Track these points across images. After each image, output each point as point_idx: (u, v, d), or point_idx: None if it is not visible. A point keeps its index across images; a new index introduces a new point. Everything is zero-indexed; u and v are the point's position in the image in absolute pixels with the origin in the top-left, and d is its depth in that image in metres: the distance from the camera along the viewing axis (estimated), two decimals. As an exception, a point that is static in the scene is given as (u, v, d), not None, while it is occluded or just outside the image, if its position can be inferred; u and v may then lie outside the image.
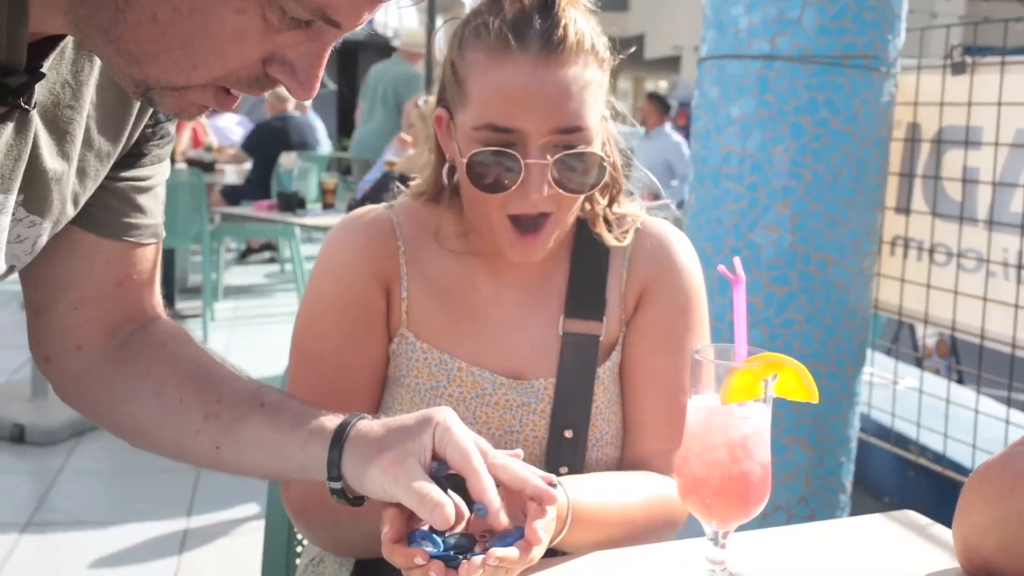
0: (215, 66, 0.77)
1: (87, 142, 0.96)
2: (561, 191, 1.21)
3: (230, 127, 9.69)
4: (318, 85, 0.81)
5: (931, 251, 2.54)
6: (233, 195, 7.34)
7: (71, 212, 0.98)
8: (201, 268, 6.25)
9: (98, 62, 0.92)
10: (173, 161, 7.67)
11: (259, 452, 1.05)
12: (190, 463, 1.12)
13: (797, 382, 1.01)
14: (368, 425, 1.01)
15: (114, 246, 1.07)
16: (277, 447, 1.04)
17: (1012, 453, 1.07)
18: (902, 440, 2.74)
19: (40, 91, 0.85)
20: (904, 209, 2.61)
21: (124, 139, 1.01)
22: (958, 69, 2.40)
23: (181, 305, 6.90)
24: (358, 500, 1.02)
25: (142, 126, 1.03)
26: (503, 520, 0.96)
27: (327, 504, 1.21)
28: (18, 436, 4.07)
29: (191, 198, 6.03)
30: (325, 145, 8.82)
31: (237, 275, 8.46)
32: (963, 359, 4.87)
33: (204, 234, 6.08)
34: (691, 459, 1.03)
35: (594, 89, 1.21)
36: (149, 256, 1.13)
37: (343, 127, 14.03)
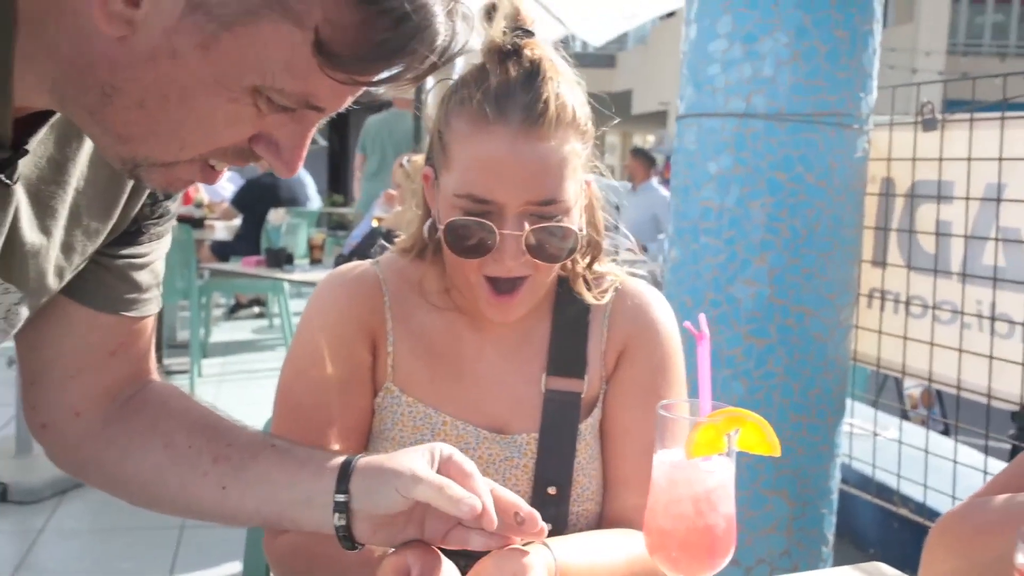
0: (203, 145, 0.80)
1: (74, 217, 0.97)
2: (535, 259, 1.23)
3: (221, 183, 9.72)
4: (300, 164, 0.84)
5: (907, 303, 2.57)
6: (222, 251, 7.36)
7: (53, 285, 0.99)
8: (189, 323, 6.25)
9: (88, 140, 0.94)
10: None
11: (266, 488, 1.06)
12: (191, 511, 1.11)
13: (759, 436, 1.03)
14: (375, 455, 1.06)
15: (110, 319, 1.09)
16: (285, 482, 1.05)
17: (972, 504, 1.09)
18: (884, 491, 2.75)
19: (25, 165, 0.87)
20: (880, 262, 2.65)
21: (115, 216, 1.02)
22: (929, 126, 2.45)
23: (169, 361, 6.89)
24: (358, 544, 1.03)
25: (138, 205, 1.05)
26: (494, 519, 1.00)
27: (315, 560, 1.23)
28: (1, 494, 4.05)
29: (180, 254, 6.06)
30: (315, 201, 8.87)
31: (225, 331, 8.45)
32: (949, 409, 4.89)
33: (193, 290, 6.10)
34: (657, 513, 1.04)
35: (573, 161, 1.24)
36: (145, 327, 1.14)
37: (333, 182, 14.13)
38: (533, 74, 1.23)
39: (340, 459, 1.05)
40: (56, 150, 0.92)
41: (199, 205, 8.47)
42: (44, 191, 0.92)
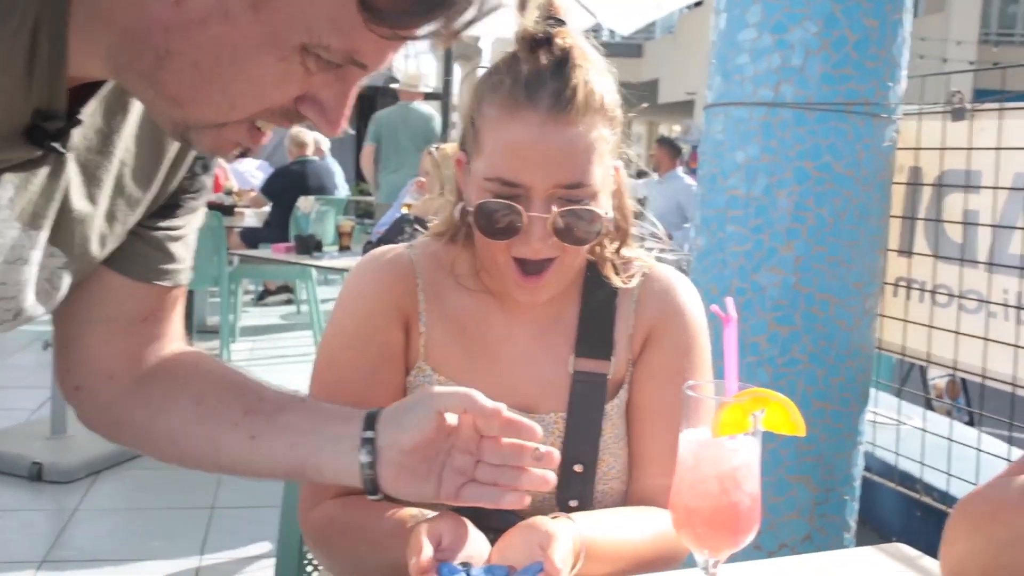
0: (254, 105, 0.82)
1: (118, 188, 1.01)
2: (562, 241, 1.27)
3: (250, 171, 9.82)
4: (345, 123, 0.86)
5: (933, 292, 2.58)
6: (252, 238, 7.44)
7: (96, 252, 1.03)
8: (219, 309, 6.32)
9: (133, 113, 0.98)
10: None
11: (294, 435, 1.10)
12: (218, 463, 1.15)
13: (784, 416, 1.06)
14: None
15: (145, 288, 1.13)
16: (314, 428, 1.10)
17: (993, 484, 1.11)
18: (907, 479, 2.76)
19: (75, 135, 0.90)
20: (906, 251, 2.65)
21: (155, 189, 1.06)
22: (958, 115, 2.45)
23: (198, 345, 6.91)
24: (380, 491, 1.08)
25: (178, 179, 1.09)
26: (525, 423, 1.08)
27: (348, 531, 1.27)
28: (36, 474, 4.13)
29: (211, 241, 6.13)
30: (343, 189, 8.93)
31: (254, 316, 8.53)
32: (974, 401, 4.88)
33: (223, 276, 6.17)
34: (683, 491, 1.07)
35: (600, 147, 1.28)
36: (177, 296, 1.19)
37: (361, 171, 14.17)
38: (563, 62, 1.27)
39: (368, 410, 1.11)
40: (103, 122, 0.95)
41: (229, 192, 8.55)
42: (91, 161, 0.96)
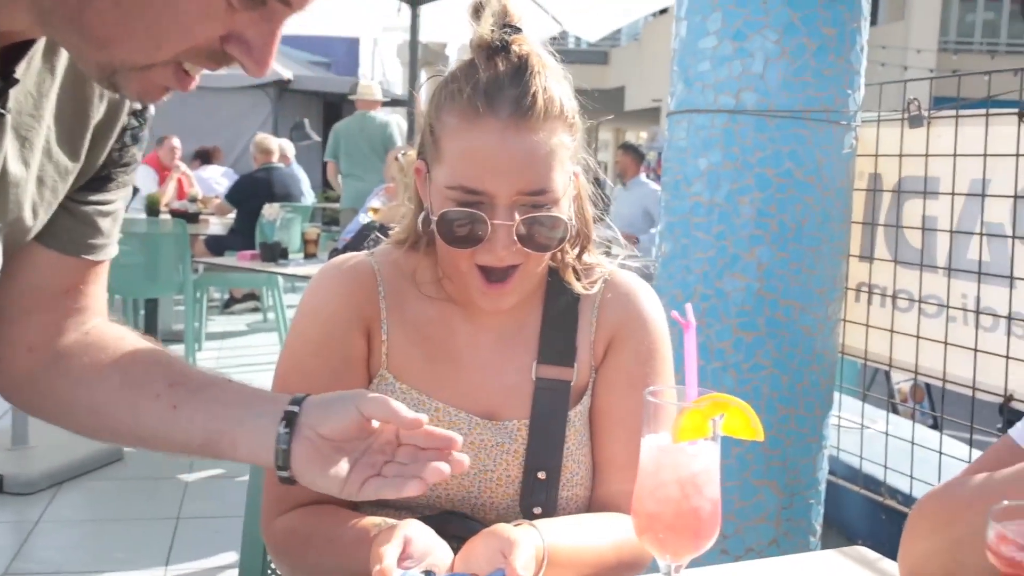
0: (179, 43, 0.82)
1: (47, 153, 1.01)
2: (526, 248, 1.27)
3: (215, 178, 9.76)
4: (271, 64, 0.85)
5: (894, 297, 2.61)
6: (217, 245, 7.39)
7: (29, 220, 1.03)
8: (184, 317, 6.28)
9: (59, 75, 0.98)
10: (158, 212, 7.75)
11: (217, 407, 1.10)
12: (137, 435, 1.14)
13: (743, 421, 1.07)
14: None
15: (72, 262, 1.13)
16: (238, 401, 1.10)
17: (950, 484, 1.13)
18: (871, 482, 2.79)
19: (11, 96, 0.90)
20: (867, 257, 2.69)
21: (82, 157, 1.05)
22: (915, 122, 2.49)
23: (163, 355, 6.90)
24: (288, 470, 1.07)
25: (106, 149, 1.08)
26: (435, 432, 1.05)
27: (312, 541, 1.27)
28: (-3, 486, 4.08)
29: (175, 248, 6.09)
30: (309, 196, 8.90)
31: (220, 324, 8.47)
32: (938, 405, 4.93)
33: (187, 284, 6.12)
34: (644, 496, 1.08)
35: (561, 153, 1.28)
36: (101, 270, 1.19)
37: (327, 179, 14.14)
38: (521, 69, 1.27)
39: (300, 394, 1.10)
40: (33, 85, 0.95)
41: (193, 200, 8.49)
42: (23, 123, 0.96)
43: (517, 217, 1.25)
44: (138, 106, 1.10)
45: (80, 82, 1.00)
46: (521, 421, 1.37)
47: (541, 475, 1.35)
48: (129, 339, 1.19)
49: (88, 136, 1.05)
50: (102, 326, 1.20)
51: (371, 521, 1.23)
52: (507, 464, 1.35)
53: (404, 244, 1.42)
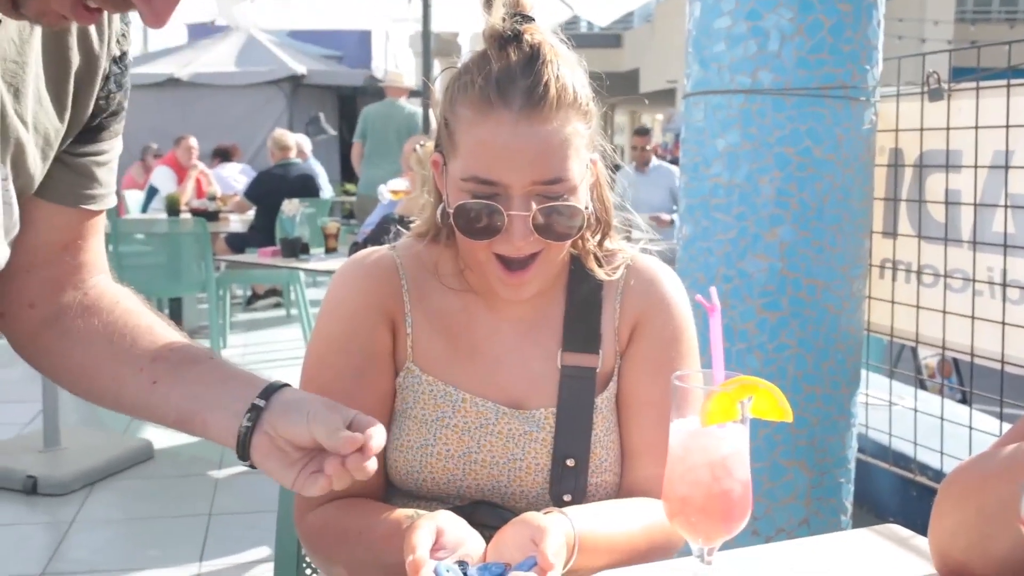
0: None
1: (38, 101, 1.02)
2: (544, 238, 1.27)
3: (233, 176, 9.81)
4: (171, 16, 0.84)
5: (919, 272, 2.59)
6: (238, 243, 7.42)
7: (32, 168, 1.04)
8: (207, 315, 6.32)
9: (37, 28, 0.98)
10: (178, 212, 7.79)
11: (194, 387, 1.12)
12: (119, 403, 1.17)
13: (771, 403, 1.07)
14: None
15: (69, 213, 1.15)
16: (215, 383, 1.12)
17: (979, 456, 1.12)
18: (901, 459, 2.78)
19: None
20: (891, 232, 2.67)
21: (69, 106, 1.07)
22: (935, 95, 2.47)
23: (189, 353, 6.95)
24: (248, 458, 1.08)
25: (93, 97, 1.09)
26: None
27: (345, 534, 1.28)
28: (31, 488, 4.12)
29: (196, 247, 6.12)
30: (327, 190, 8.92)
31: (243, 321, 8.52)
32: (966, 378, 4.90)
33: (210, 282, 6.16)
34: (675, 480, 1.08)
35: (576, 141, 1.28)
36: (98, 224, 1.21)
37: (345, 171, 14.17)
38: (533, 58, 1.26)
39: (276, 380, 1.12)
40: (14, 31, 0.97)
41: (212, 198, 8.53)
42: (8, 69, 0.97)
43: (534, 207, 1.25)
44: (116, 52, 1.11)
45: (58, 31, 1.02)
46: (548, 409, 1.37)
47: (570, 462, 1.35)
48: (124, 304, 1.20)
49: (71, 84, 1.06)
50: (102, 286, 1.22)
51: (403, 513, 1.24)
52: (536, 452, 1.35)
53: (425, 237, 1.42)
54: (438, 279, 1.40)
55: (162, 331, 1.19)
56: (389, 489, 1.40)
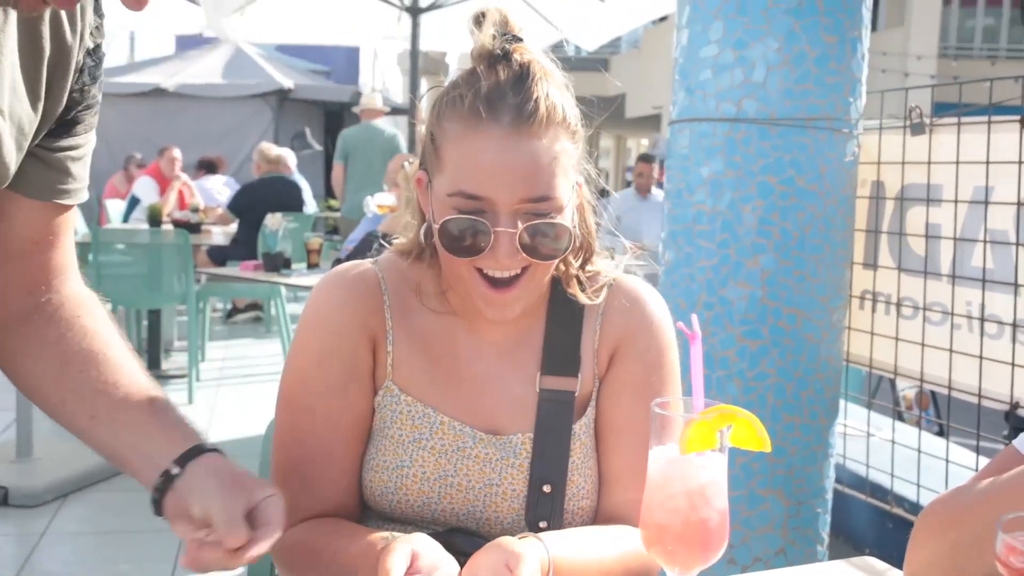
0: None
1: (13, 91, 1.02)
2: (530, 257, 1.26)
3: (217, 188, 9.78)
4: (150, 1, 0.85)
5: (898, 304, 2.61)
6: (219, 256, 7.39)
7: (7, 157, 1.04)
8: (186, 328, 6.28)
9: (11, 12, 0.98)
10: (160, 223, 7.76)
11: (125, 432, 1.15)
12: (61, 424, 1.21)
13: (750, 432, 1.07)
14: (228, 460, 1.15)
15: (42, 207, 1.15)
16: (144, 434, 1.15)
17: (958, 489, 1.13)
18: (878, 491, 2.78)
19: None
20: (871, 264, 2.69)
21: (43, 96, 1.06)
22: (917, 130, 2.49)
23: (167, 365, 6.91)
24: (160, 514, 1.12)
25: (66, 89, 1.09)
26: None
27: (317, 554, 1.27)
28: (2, 499, 4.07)
29: (177, 259, 6.09)
30: (311, 205, 8.91)
31: (223, 334, 8.48)
32: (943, 410, 4.93)
33: (190, 294, 6.13)
34: (653, 508, 1.07)
35: (564, 160, 1.26)
36: (69, 221, 1.21)
37: (329, 187, 14.16)
38: (523, 76, 1.26)
39: (200, 441, 1.14)
40: None
41: (195, 210, 8.50)
42: None
43: (520, 225, 1.24)
44: (90, 44, 1.11)
45: (31, 21, 1.02)
46: (525, 435, 1.35)
47: (546, 488, 1.34)
48: (83, 320, 1.21)
49: (44, 75, 1.06)
50: (66, 291, 1.22)
51: (378, 535, 1.23)
52: (512, 479, 1.34)
53: (408, 255, 1.41)
54: (420, 299, 1.38)
55: (114, 359, 1.19)
56: (364, 510, 1.39)
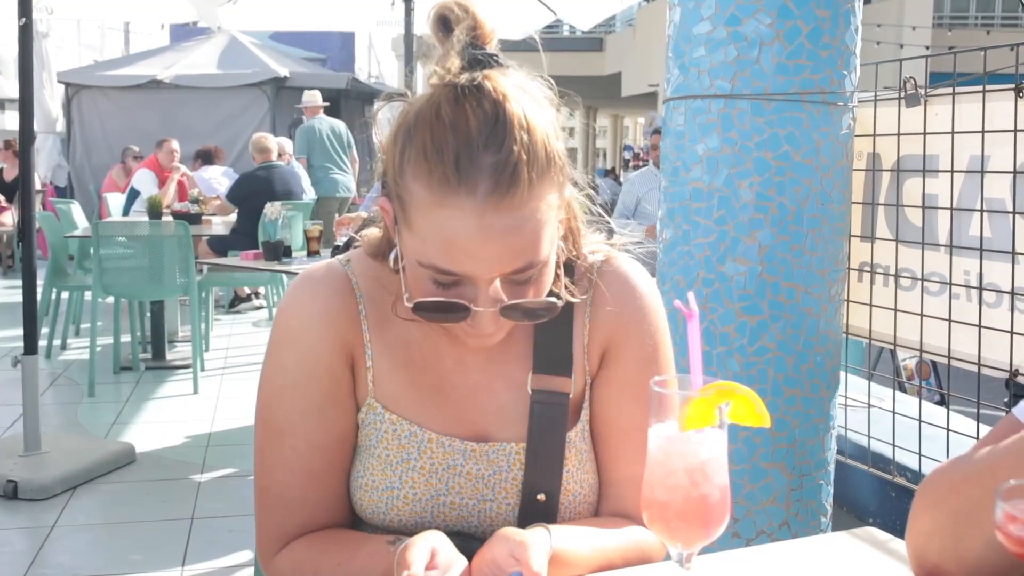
0: None
1: None
2: (513, 320, 1.18)
3: (216, 178, 9.76)
4: None
5: (896, 276, 2.62)
6: (220, 245, 7.40)
7: None
8: (189, 319, 6.30)
9: None
10: (160, 214, 7.76)
11: None
12: None
13: (749, 408, 1.08)
14: None
15: None
16: None
17: (958, 458, 1.14)
18: (880, 461, 2.80)
19: None
20: (869, 236, 2.69)
21: None
22: (912, 101, 2.49)
23: (171, 356, 6.93)
24: None
25: None
26: None
27: (322, 568, 1.23)
28: (11, 492, 4.10)
29: (179, 250, 6.10)
30: (310, 193, 8.92)
31: (226, 324, 8.50)
32: (944, 379, 4.94)
33: (192, 285, 6.14)
34: (654, 485, 1.09)
35: (549, 216, 1.14)
36: None
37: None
38: (498, 123, 1.09)
39: None
40: None
41: (195, 201, 8.50)
42: None
43: (501, 295, 1.14)
44: None
45: None
46: (518, 444, 1.28)
47: (541, 497, 1.27)
48: None
49: None
50: None
51: (384, 538, 1.21)
52: (506, 492, 1.29)
53: (379, 257, 1.30)
54: (396, 310, 1.27)
55: None
56: (357, 522, 1.33)
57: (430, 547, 1.10)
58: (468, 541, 1.21)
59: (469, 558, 1.14)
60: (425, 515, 1.27)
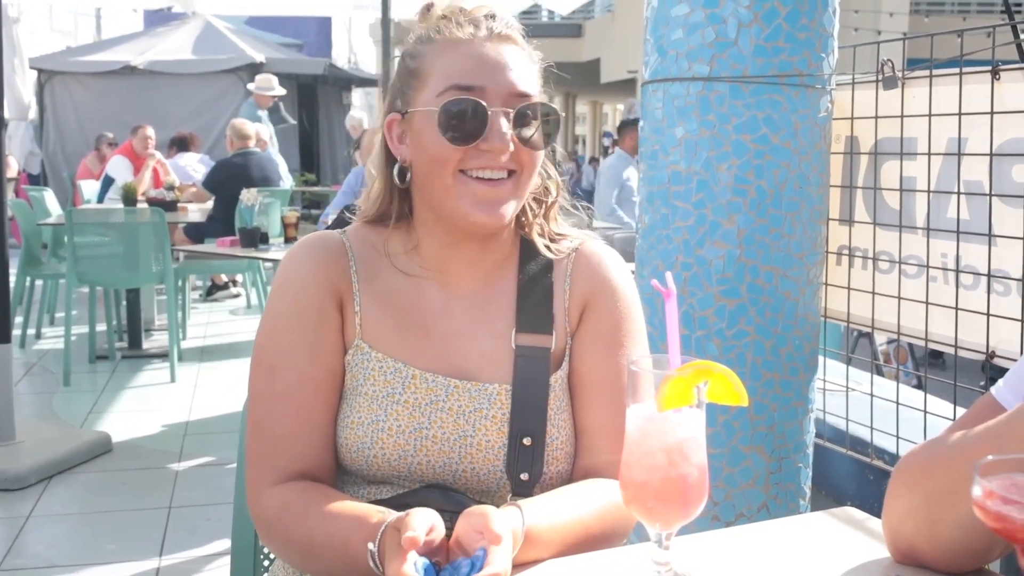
0: None
1: None
2: (522, 144, 1.33)
3: (192, 165, 9.69)
4: None
5: (874, 259, 2.62)
6: (196, 233, 7.35)
7: None
8: (166, 307, 6.25)
9: None
10: (135, 202, 7.70)
11: None
12: None
13: (727, 387, 1.07)
14: None
15: None
16: None
17: (932, 441, 1.14)
18: (858, 444, 2.81)
19: None
20: (847, 220, 2.69)
21: None
22: (889, 84, 2.49)
23: (148, 344, 6.88)
24: None
25: None
26: None
27: (306, 517, 1.26)
28: (-14, 483, 4.07)
29: (154, 237, 6.05)
30: (287, 180, 8.86)
31: (203, 312, 8.45)
32: (923, 364, 4.97)
33: (168, 273, 6.09)
34: (632, 465, 1.08)
35: (538, 78, 1.39)
36: None
37: (305, 161, 14.04)
38: (496, 11, 1.39)
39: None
40: None
41: (170, 188, 8.43)
42: None
43: (511, 113, 1.32)
44: None
45: None
46: (503, 385, 1.37)
47: (527, 441, 1.35)
48: None
49: None
50: None
51: (371, 507, 1.23)
52: (486, 430, 1.35)
53: (373, 221, 1.45)
54: (388, 259, 1.42)
55: None
56: (339, 472, 1.39)
57: (430, 521, 1.12)
58: (449, 495, 1.30)
59: (448, 510, 1.19)
60: (408, 448, 1.33)
